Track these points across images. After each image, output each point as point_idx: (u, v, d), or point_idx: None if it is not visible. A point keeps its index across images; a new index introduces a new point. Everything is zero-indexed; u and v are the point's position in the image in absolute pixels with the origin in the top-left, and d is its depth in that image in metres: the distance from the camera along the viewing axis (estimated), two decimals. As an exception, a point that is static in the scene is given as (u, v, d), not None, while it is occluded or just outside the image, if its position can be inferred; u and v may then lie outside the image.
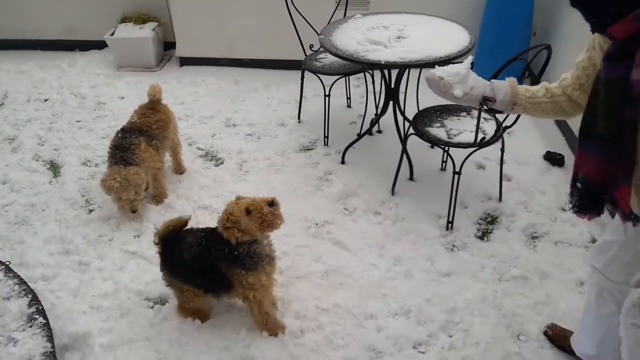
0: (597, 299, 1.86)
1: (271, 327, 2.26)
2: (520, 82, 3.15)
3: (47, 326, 2.13)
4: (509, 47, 3.57)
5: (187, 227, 2.24)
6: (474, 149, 2.71)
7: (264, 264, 2.15)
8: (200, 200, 3.16)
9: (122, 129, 3.07)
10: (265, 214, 2.06)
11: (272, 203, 2.09)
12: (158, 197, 3.14)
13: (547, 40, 3.72)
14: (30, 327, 2.11)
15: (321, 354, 2.20)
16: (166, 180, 3.21)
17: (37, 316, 2.16)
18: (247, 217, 2.06)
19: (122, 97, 4.43)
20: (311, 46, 3.72)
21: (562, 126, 3.70)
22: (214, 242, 2.13)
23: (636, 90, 1.23)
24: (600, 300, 1.84)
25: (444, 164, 3.32)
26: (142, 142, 2.99)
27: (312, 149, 3.67)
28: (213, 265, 2.13)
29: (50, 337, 2.09)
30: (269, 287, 2.22)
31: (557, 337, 2.20)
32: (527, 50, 2.72)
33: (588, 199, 1.49)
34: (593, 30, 1.35)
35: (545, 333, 2.25)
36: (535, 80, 2.67)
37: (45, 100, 4.41)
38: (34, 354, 1.99)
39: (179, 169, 3.43)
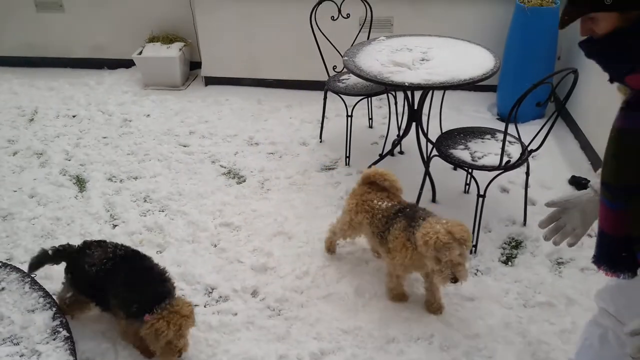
0: (600, 340, 1.70)
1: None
2: (545, 106, 3.14)
3: (70, 339, 2.15)
4: (533, 70, 3.57)
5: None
6: (498, 172, 2.69)
7: None
8: (222, 217, 3.18)
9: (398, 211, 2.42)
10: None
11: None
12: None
13: (571, 65, 3.70)
14: (54, 340, 2.13)
15: (342, 376, 2.18)
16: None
17: (61, 329, 2.18)
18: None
19: (148, 115, 4.52)
20: (334, 67, 3.76)
21: (588, 151, 3.65)
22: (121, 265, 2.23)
23: None
24: (604, 342, 1.68)
25: (467, 186, 3.30)
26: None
27: (333, 169, 3.68)
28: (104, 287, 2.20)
29: (73, 351, 2.10)
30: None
31: None
32: (554, 74, 2.71)
33: (604, 252, 1.39)
34: (611, 80, 1.29)
35: None
36: (560, 106, 2.66)
37: (74, 116, 4.52)
38: (56, 367, 2.00)
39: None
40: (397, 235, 2.32)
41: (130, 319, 2.11)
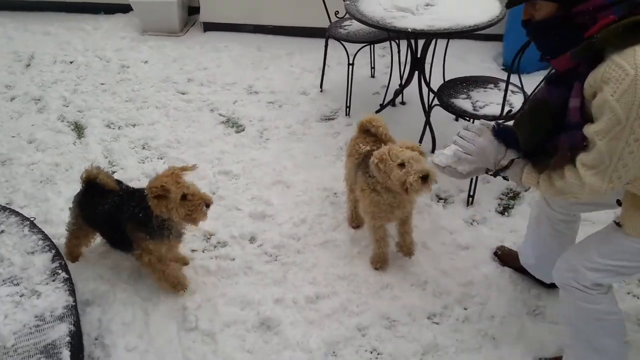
0: (537, 220, 2.11)
1: (170, 282, 2.28)
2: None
3: (69, 281, 2.19)
4: (541, 18, 3.44)
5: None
6: (500, 122, 2.64)
7: (171, 238, 2.17)
8: (220, 166, 3.17)
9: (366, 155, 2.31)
10: (198, 210, 2.04)
11: (208, 205, 2.07)
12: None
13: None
14: (53, 281, 2.17)
15: (336, 319, 2.22)
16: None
17: (60, 271, 2.21)
18: (180, 202, 2.01)
19: (146, 62, 4.44)
20: (336, 13, 3.64)
21: (593, 103, 3.58)
22: (129, 199, 2.17)
23: (572, 118, 1.40)
24: (539, 222, 2.09)
25: (467, 137, 3.26)
26: None
27: (333, 119, 3.63)
28: (118, 223, 2.18)
29: (72, 292, 2.14)
30: (166, 256, 2.24)
31: (506, 257, 2.44)
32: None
33: (506, 134, 1.70)
34: (540, 60, 1.53)
35: (495, 253, 2.47)
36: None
37: (71, 62, 4.44)
38: (56, 307, 2.04)
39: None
40: (357, 180, 2.29)
41: (155, 235, 2.12)
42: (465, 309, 2.26)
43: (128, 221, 2.16)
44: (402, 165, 2.03)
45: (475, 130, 1.72)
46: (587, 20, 1.35)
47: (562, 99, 1.43)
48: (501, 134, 1.68)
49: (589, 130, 1.37)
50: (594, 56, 1.34)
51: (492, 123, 1.73)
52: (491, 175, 1.74)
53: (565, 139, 1.44)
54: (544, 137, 1.51)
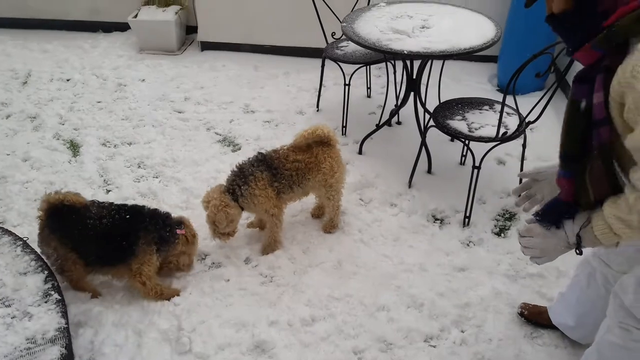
0: (588, 279, 1.92)
1: (167, 294, 2.41)
2: (545, 77, 3.05)
3: (62, 302, 2.15)
4: (535, 41, 3.48)
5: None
6: (495, 143, 2.66)
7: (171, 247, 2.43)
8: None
9: (257, 157, 2.64)
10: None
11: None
12: (266, 248, 2.69)
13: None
14: (46, 302, 2.13)
15: (331, 342, 2.19)
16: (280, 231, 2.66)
17: (53, 292, 2.18)
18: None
19: (143, 80, 4.45)
20: (333, 34, 3.68)
21: (587, 124, 3.61)
22: (140, 215, 2.35)
23: (597, 114, 1.27)
24: (591, 282, 1.91)
25: (463, 158, 3.27)
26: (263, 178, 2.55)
27: (329, 138, 3.64)
28: (126, 235, 2.27)
29: (64, 314, 2.11)
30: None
31: (533, 315, 2.28)
32: (554, 44, 2.65)
33: (548, 211, 1.50)
34: (567, 54, 1.42)
35: (521, 314, 2.29)
36: (560, 77, 2.61)
37: (68, 80, 4.45)
38: (48, 329, 2.01)
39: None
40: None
41: (163, 246, 2.36)
42: (462, 331, 2.24)
43: (145, 232, 2.30)
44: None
45: (525, 232, 1.55)
46: (610, 7, 1.20)
47: (589, 96, 1.29)
48: (547, 218, 1.48)
49: (632, 141, 1.17)
50: (618, 47, 1.20)
51: (532, 216, 1.54)
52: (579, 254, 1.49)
53: (593, 137, 1.29)
54: (583, 143, 1.36)
